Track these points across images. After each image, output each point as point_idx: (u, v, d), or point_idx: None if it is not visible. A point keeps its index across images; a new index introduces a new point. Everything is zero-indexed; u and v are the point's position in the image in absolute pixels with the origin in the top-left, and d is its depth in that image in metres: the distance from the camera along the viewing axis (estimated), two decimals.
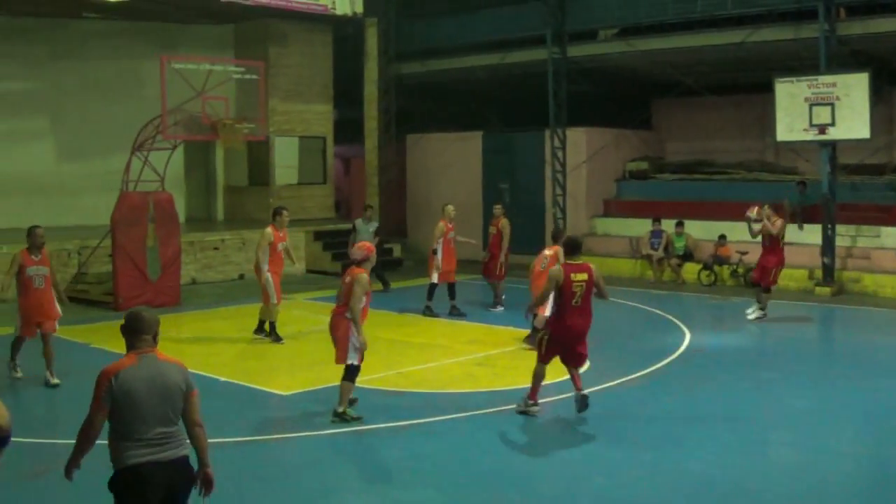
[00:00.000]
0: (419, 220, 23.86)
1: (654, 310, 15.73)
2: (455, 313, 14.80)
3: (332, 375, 9.19)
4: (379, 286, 16.52)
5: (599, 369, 10.70)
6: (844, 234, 17.88)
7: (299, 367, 11.31)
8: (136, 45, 21.20)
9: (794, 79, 17.05)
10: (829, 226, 17.30)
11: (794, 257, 16.91)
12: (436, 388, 10.20)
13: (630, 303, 16.41)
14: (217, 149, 22.81)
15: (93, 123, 20.79)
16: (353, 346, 8.61)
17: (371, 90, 23.51)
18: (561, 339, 8.85)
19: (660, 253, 19.64)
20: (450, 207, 15.19)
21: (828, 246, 17.31)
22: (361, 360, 8.73)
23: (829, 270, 17.31)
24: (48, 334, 10.30)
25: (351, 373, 8.70)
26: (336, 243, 20.09)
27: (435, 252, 14.85)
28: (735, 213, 15.86)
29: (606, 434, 8.46)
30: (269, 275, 12.52)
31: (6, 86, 20.54)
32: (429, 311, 14.85)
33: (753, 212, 14.19)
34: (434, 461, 7.79)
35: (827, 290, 17.10)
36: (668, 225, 19.77)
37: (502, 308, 15.22)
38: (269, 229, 12.64)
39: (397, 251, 22.35)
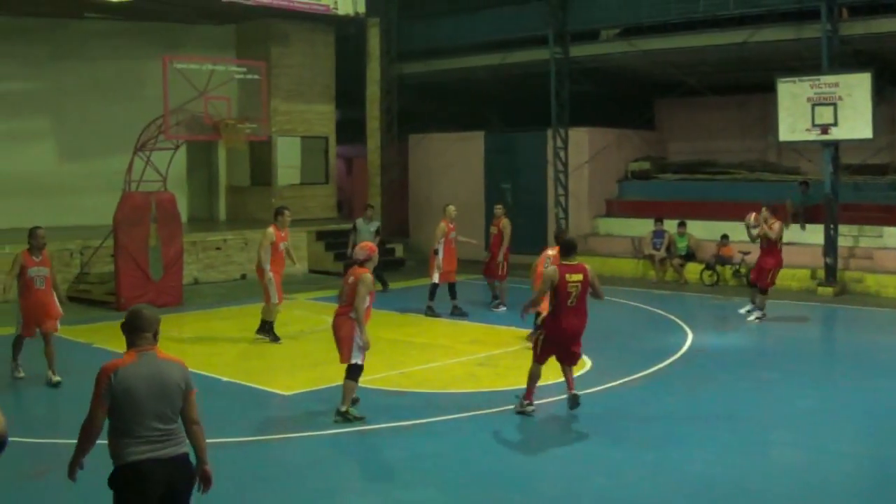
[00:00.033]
0: (421, 220, 23.85)
1: (656, 310, 15.72)
2: (457, 313, 14.80)
3: (334, 375, 9.19)
4: (379, 286, 16.50)
5: (601, 369, 10.71)
6: (847, 235, 17.87)
7: (301, 366, 11.31)
8: (137, 46, 21.20)
9: (796, 79, 17.03)
10: (832, 226, 17.28)
11: (796, 257, 16.95)
12: (437, 388, 10.20)
13: (632, 303, 16.41)
14: (219, 149, 22.82)
15: (94, 124, 20.78)
16: (357, 346, 8.62)
17: (373, 90, 23.54)
18: (556, 340, 8.88)
19: (662, 253, 19.63)
20: (451, 207, 15.19)
21: (830, 246, 17.29)
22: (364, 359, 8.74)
23: (831, 270, 17.30)
24: (49, 334, 10.30)
25: (354, 372, 8.70)
26: (338, 243, 20.08)
27: (436, 252, 14.86)
28: (737, 213, 15.84)
29: (608, 434, 8.46)
30: (271, 275, 12.53)
31: (7, 86, 20.55)
32: (430, 311, 14.86)
33: (751, 218, 14.22)
34: (436, 461, 7.79)
35: (829, 290, 17.09)
36: (671, 225, 19.74)
37: (504, 308, 15.22)
38: (270, 229, 12.64)
39: (399, 251, 22.35)
